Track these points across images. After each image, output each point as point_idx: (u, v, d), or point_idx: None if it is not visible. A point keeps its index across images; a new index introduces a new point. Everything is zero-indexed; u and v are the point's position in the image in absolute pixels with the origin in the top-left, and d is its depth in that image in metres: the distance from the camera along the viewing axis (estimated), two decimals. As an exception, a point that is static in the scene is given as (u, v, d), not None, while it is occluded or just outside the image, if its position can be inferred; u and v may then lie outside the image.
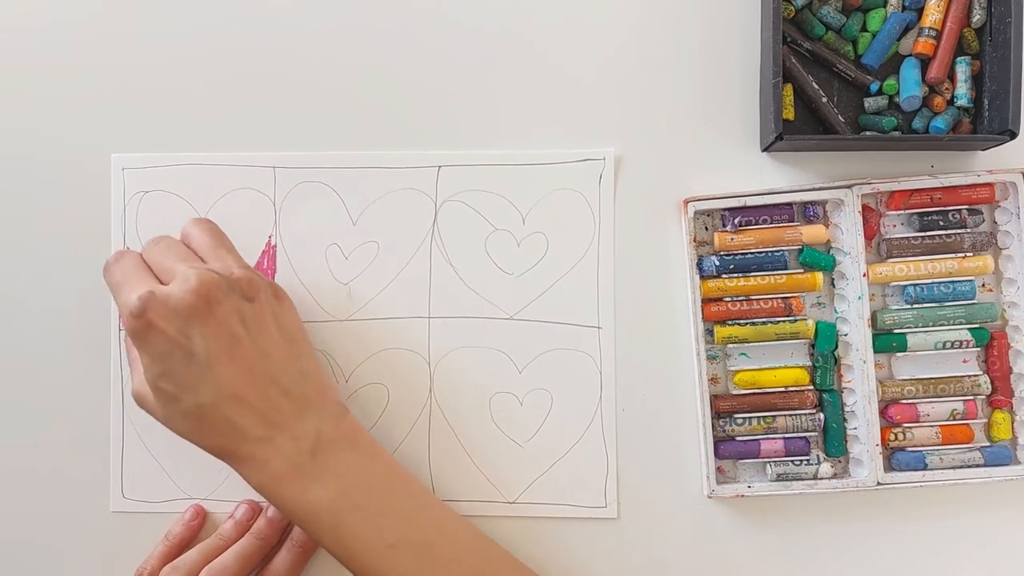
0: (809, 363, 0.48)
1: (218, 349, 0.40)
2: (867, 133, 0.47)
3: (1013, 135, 0.45)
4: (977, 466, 0.47)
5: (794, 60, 0.47)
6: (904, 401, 0.47)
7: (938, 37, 0.47)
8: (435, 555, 0.42)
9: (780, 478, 0.47)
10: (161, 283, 0.41)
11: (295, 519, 0.42)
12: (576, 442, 0.48)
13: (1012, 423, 0.47)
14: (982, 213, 0.48)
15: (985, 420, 0.48)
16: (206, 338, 0.39)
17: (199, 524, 0.48)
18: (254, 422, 0.40)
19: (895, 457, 0.47)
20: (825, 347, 0.48)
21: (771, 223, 0.48)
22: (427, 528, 0.43)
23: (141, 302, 0.39)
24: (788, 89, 0.47)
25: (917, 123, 0.47)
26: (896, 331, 0.47)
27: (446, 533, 0.44)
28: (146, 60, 0.50)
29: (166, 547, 0.47)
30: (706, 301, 0.48)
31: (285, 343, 0.42)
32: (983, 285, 0.48)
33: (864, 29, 0.48)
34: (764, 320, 0.47)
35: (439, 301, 0.49)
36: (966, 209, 0.47)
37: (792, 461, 0.47)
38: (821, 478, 0.47)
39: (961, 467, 0.47)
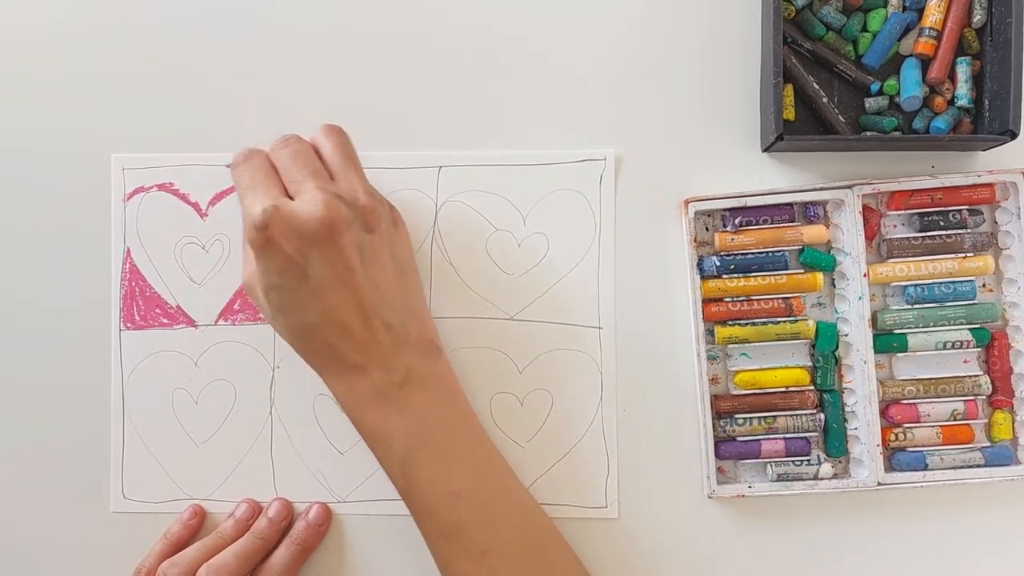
0: (810, 363, 0.48)
1: (332, 277, 0.40)
2: (867, 133, 0.47)
3: (1013, 135, 0.45)
4: (977, 466, 0.47)
5: (794, 60, 0.47)
6: (905, 401, 0.47)
7: (938, 37, 0.47)
8: (493, 512, 0.43)
9: (781, 478, 0.47)
10: (288, 193, 0.41)
11: (370, 441, 0.43)
12: (576, 442, 0.48)
13: (1013, 423, 0.47)
14: (982, 213, 0.48)
15: (986, 420, 0.48)
16: (323, 264, 0.40)
17: (198, 524, 0.48)
18: (353, 349, 0.41)
19: (895, 457, 0.47)
20: (826, 347, 0.47)
21: (772, 223, 0.48)
22: (491, 485, 0.44)
23: (265, 216, 0.39)
24: (788, 89, 0.47)
25: (918, 123, 0.47)
26: (897, 331, 0.47)
27: (507, 494, 0.44)
28: (146, 60, 0.50)
29: (164, 546, 0.47)
30: (706, 301, 0.48)
31: (396, 276, 0.43)
32: (984, 285, 0.48)
33: (865, 29, 0.48)
34: (765, 320, 0.47)
35: (439, 301, 0.49)
36: (966, 209, 0.47)
37: (793, 461, 0.47)
38: (822, 478, 0.47)
39: (961, 467, 0.47)
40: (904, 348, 0.47)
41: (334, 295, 0.40)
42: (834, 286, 0.48)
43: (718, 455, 0.47)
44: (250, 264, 0.42)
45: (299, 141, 0.43)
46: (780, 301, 0.47)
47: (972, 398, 0.47)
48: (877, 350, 0.47)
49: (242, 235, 0.45)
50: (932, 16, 0.47)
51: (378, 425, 0.42)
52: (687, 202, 0.47)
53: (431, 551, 0.43)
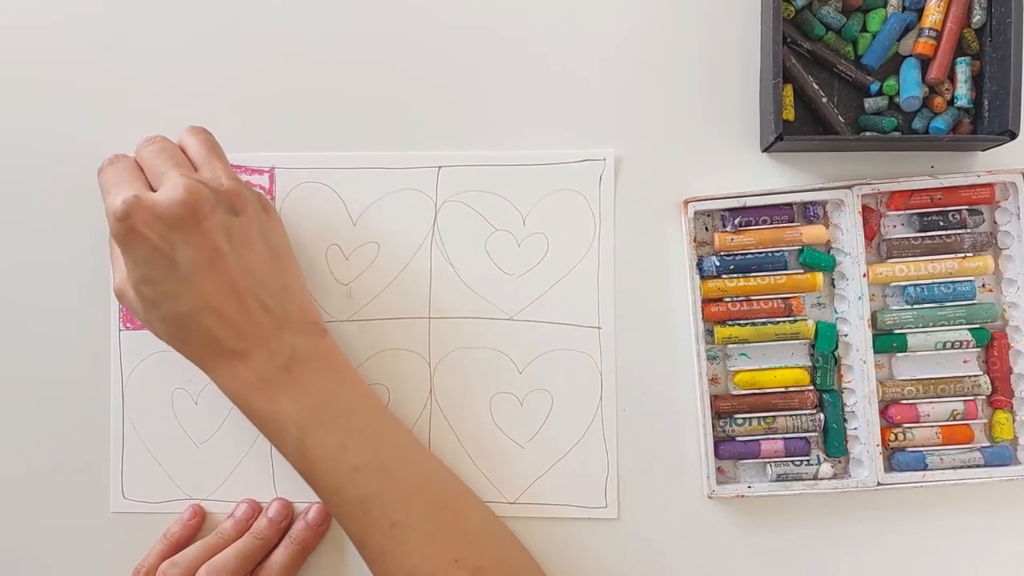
0: (809, 363, 0.48)
1: (200, 261, 0.40)
2: (867, 133, 0.47)
3: (1013, 135, 0.45)
4: (977, 466, 0.47)
5: (794, 60, 0.47)
6: (904, 401, 0.47)
7: (938, 37, 0.47)
8: (397, 481, 0.43)
9: (780, 478, 0.47)
10: (151, 187, 0.41)
11: (263, 429, 0.43)
12: (576, 442, 0.48)
13: (1014, 423, 0.47)
14: (982, 213, 0.48)
15: (985, 420, 0.48)
16: (189, 249, 0.40)
17: (197, 524, 0.48)
18: (231, 334, 0.41)
19: (895, 457, 0.47)
20: (825, 347, 0.48)
21: (771, 223, 0.48)
22: (392, 454, 0.43)
23: (126, 206, 0.39)
24: (788, 89, 0.47)
25: (917, 123, 0.47)
26: (896, 331, 0.47)
27: (411, 462, 0.44)
28: (146, 60, 0.50)
29: (164, 546, 0.47)
30: (706, 301, 0.48)
31: (270, 258, 0.43)
32: (983, 285, 0.48)
33: (864, 29, 0.48)
34: (764, 320, 0.47)
35: (439, 301, 0.49)
36: (966, 209, 0.47)
37: (792, 461, 0.47)
38: (821, 478, 0.47)
39: (961, 467, 0.47)
40: (904, 348, 0.47)
41: (205, 280, 0.40)
42: (834, 286, 0.48)
43: (718, 455, 0.47)
44: (119, 268, 0.42)
45: (164, 140, 0.43)
46: (780, 301, 0.47)
47: (972, 398, 0.47)
48: (877, 350, 0.47)
49: (108, 240, 0.45)
50: (931, 16, 0.47)
51: (267, 410, 0.42)
52: (687, 202, 0.47)
53: (344, 529, 0.43)
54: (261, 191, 0.48)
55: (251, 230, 0.42)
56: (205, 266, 0.40)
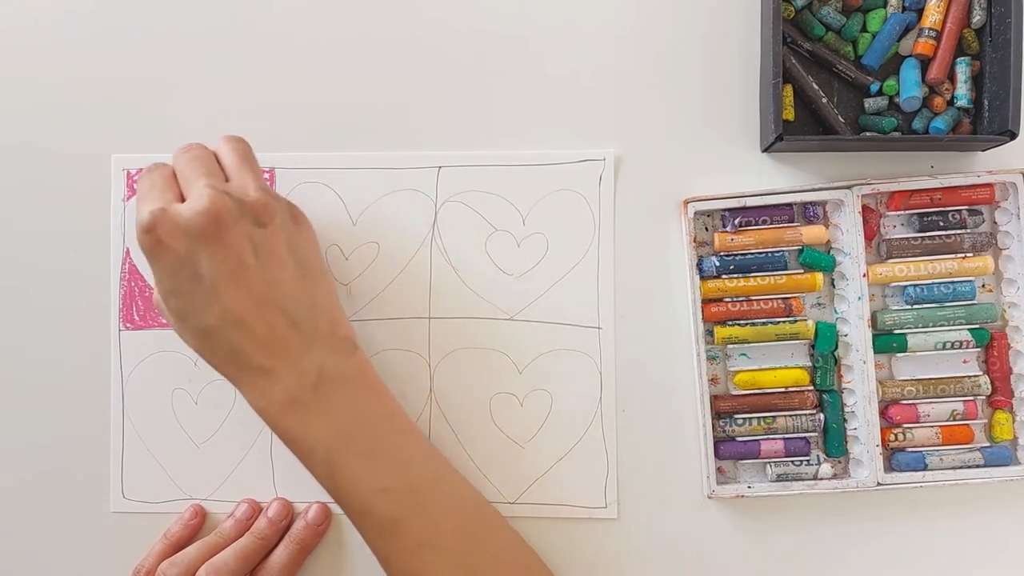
0: (809, 364, 0.48)
1: (224, 274, 0.39)
2: (867, 134, 0.47)
3: (1013, 135, 0.45)
4: (977, 466, 0.47)
5: (794, 61, 0.47)
6: (904, 402, 0.47)
7: (938, 38, 0.47)
8: (426, 503, 0.42)
9: (780, 478, 0.47)
10: (184, 196, 0.41)
11: (291, 448, 0.42)
12: (576, 442, 0.48)
13: (1013, 423, 0.47)
14: (982, 214, 0.48)
15: (985, 420, 0.48)
16: (213, 261, 0.39)
17: (198, 524, 0.48)
18: (258, 350, 0.40)
19: (895, 457, 0.47)
20: (825, 347, 0.48)
21: (771, 223, 0.48)
22: (421, 476, 0.43)
23: (152, 217, 0.39)
24: (788, 90, 0.47)
25: (917, 124, 0.47)
26: (896, 331, 0.47)
27: (440, 482, 0.44)
28: (146, 60, 0.50)
29: (164, 545, 0.47)
30: (706, 301, 0.48)
31: (298, 271, 0.42)
32: (983, 285, 0.48)
33: (864, 30, 0.48)
34: (764, 321, 0.47)
35: (439, 301, 0.49)
36: (966, 210, 0.47)
37: (792, 461, 0.47)
38: (821, 478, 0.47)
39: (961, 467, 0.47)
40: (904, 348, 0.47)
41: (229, 293, 0.39)
42: (833, 286, 0.48)
43: (718, 455, 0.47)
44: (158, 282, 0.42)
45: (200, 147, 0.43)
46: (779, 301, 0.47)
47: (972, 398, 0.47)
48: (877, 350, 0.47)
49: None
50: (931, 16, 0.47)
51: (297, 431, 0.41)
52: (687, 202, 0.47)
53: (369, 547, 0.43)
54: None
55: (278, 243, 0.41)
56: (228, 279, 0.39)
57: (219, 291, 0.39)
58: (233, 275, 0.39)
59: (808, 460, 0.47)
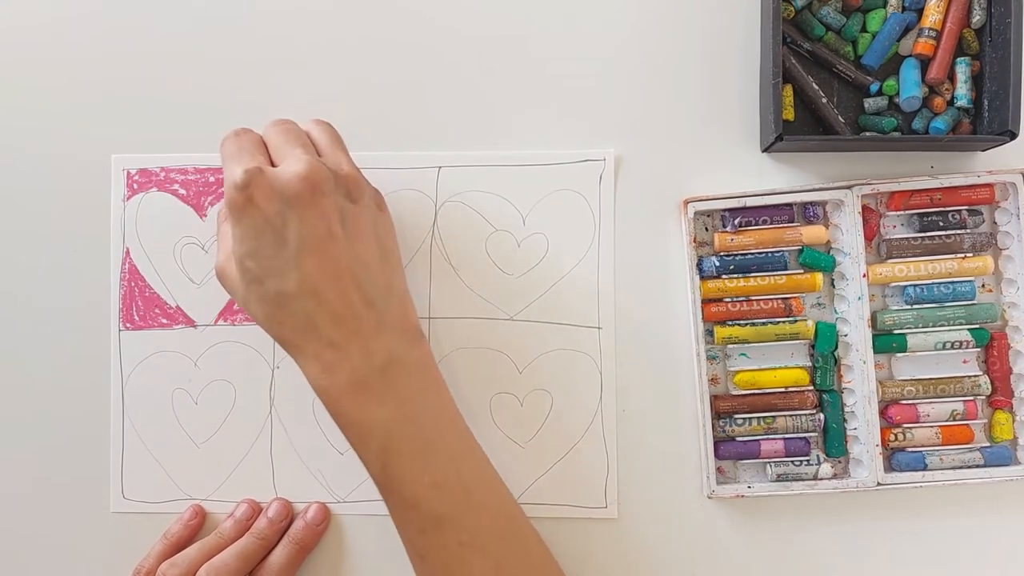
0: (809, 363, 0.48)
1: (311, 240, 0.39)
2: (867, 134, 0.47)
3: (1013, 135, 0.45)
4: (977, 466, 0.47)
5: (794, 61, 0.47)
6: (904, 401, 0.47)
7: (938, 38, 0.47)
8: (474, 502, 0.42)
9: (780, 478, 0.47)
10: (272, 164, 0.40)
11: (346, 432, 0.41)
12: (576, 442, 0.48)
13: (1013, 423, 0.47)
14: (982, 214, 0.48)
15: (985, 420, 0.48)
16: (302, 226, 0.39)
17: (198, 524, 0.48)
18: (330, 323, 0.40)
19: (895, 457, 0.47)
20: (825, 348, 0.48)
21: (771, 224, 0.48)
22: (472, 474, 0.42)
23: (247, 175, 0.38)
24: (788, 90, 0.47)
25: (917, 124, 0.47)
26: (896, 332, 0.47)
27: (487, 485, 0.43)
28: (146, 60, 0.50)
29: (164, 546, 0.47)
30: (706, 301, 0.48)
31: (379, 253, 0.42)
32: (983, 286, 0.48)
33: (864, 30, 0.48)
34: (764, 321, 0.47)
35: (439, 301, 0.49)
36: (966, 210, 0.47)
37: (792, 461, 0.47)
38: (821, 478, 0.47)
39: (961, 467, 0.47)
40: (903, 348, 0.47)
41: (312, 261, 0.39)
42: (833, 286, 0.48)
43: (718, 455, 0.47)
44: (223, 248, 0.42)
45: (291, 123, 0.43)
46: (779, 301, 0.47)
47: (972, 398, 0.47)
48: (876, 350, 0.47)
49: (217, 221, 0.44)
50: (931, 16, 0.47)
51: (355, 415, 0.40)
52: (687, 202, 0.47)
53: (405, 542, 0.42)
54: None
55: (365, 221, 0.41)
56: (315, 246, 0.39)
57: (303, 258, 0.39)
58: (320, 243, 0.39)
59: (808, 460, 0.47)
